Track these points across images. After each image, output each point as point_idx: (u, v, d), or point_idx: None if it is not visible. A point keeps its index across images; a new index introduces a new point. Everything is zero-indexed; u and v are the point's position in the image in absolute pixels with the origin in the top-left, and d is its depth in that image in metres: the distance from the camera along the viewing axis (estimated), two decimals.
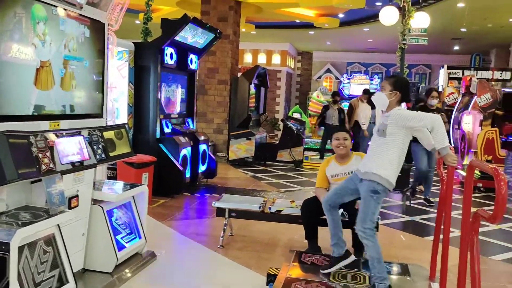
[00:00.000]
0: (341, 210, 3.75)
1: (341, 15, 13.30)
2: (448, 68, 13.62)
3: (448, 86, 13.11)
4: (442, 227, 3.38)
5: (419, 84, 16.94)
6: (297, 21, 14.22)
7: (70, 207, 3.01)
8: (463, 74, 13.10)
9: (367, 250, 3.22)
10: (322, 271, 3.45)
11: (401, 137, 3.19)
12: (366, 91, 10.48)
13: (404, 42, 7.68)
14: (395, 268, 3.66)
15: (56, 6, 3.13)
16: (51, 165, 2.73)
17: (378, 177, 3.18)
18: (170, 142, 6.70)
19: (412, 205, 6.87)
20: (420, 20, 8.14)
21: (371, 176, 3.20)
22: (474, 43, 15.79)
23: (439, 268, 3.31)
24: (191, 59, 7.46)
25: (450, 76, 13.48)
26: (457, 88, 12.48)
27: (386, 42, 15.57)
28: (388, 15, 8.42)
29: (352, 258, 3.50)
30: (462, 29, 13.64)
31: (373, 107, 9.34)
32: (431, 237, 4.45)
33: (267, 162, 10.47)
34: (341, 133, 4.12)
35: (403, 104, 3.75)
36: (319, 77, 20.46)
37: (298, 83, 21.68)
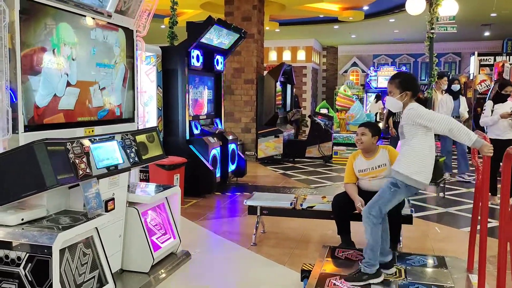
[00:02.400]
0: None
1: (365, 7, 13.15)
2: (479, 55, 13.26)
3: (479, 73, 12.77)
4: (479, 217, 3.31)
5: (449, 73, 16.54)
6: (321, 16, 14.14)
7: (107, 210, 3.10)
8: (494, 60, 12.74)
9: (366, 233, 3.24)
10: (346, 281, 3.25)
11: (420, 134, 3.13)
12: (442, 75, 8.73)
13: (433, 31, 7.54)
14: (431, 261, 3.60)
15: (85, 16, 3.23)
16: (88, 170, 2.82)
17: (397, 173, 3.19)
18: (199, 143, 6.79)
19: (446, 196, 6.75)
20: (448, 7, 7.97)
21: (393, 173, 3.25)
22: (505, 27, 15.30)
23: (477, 260, 3.25)
24: (217, 60, 7.53)
25: (481, 63, 13.12)
26: (489, 75, 12.15)
27: (413, 32, 15.30)
28: (415, 5, 8.28)
29: (393, 270, 3.36)
30: (492, 14, 13.26)
31: (454, 97, 7.84)
32: (467, 228, 4.36)
33: (296, 159, 10.46)
34: (360, 128, 4.08)
35: None
36: (345, 71, 20.27)
37: (324, 78, 21.54)
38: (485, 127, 6.73)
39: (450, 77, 8.99)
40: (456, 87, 7.84)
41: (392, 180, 3.23)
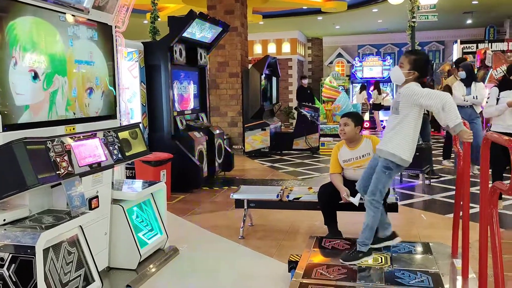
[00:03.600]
0: (358, 195, 3.75)
1: None
2: (462, 42, 13.40)
3: None
4: (461, 203, 3.35)
5: (433, 62, 16.67)
6: (305, 7, 14.12)
7: (91, 208, 3.08)
8: (477, 47, 12.88)
9: (366, 217, 3.37)
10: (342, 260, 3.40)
11: (413, 114, 3.20)
12: (459, 61, 8.07)
13: (414, 20, 7.59)
14: (417, 248, 3.64)
15: (64, 13, 3.18)
16: (70, 168, 2.80)
17: (391, 155, 3.25)
18: (185, 138, 6.76)
19: (432, 183, 6.82)
20: None
21: (385, 154, 3.29)
22: (487, 15, 15.44)
23: (460, 245, 3.29)
24: (201, 54, 7.49)
25: (464, 50, 13.26)
26: (472, 62, 12.27)
27: (397, 21, 15.36)
28: None
29: (399, 239, 3.53)
30: (473, 2, 13.36)
31: (466, 84, 7.24)
32: (451, 215, 4.42)
33: (283, 152, 10.48)
34: (343, 118, 4.10)
35: None
36: (331, 62, 20.31)
37: (310, 70, 21.56)
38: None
39: (453, 65, 8.73)
40: (462, 74, 7.26)
41: (384, 163, 3.29)
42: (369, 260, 3.33)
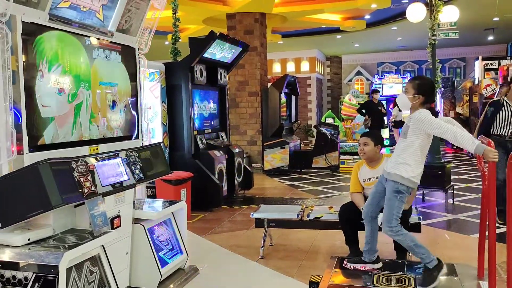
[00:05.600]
0: (379, 218, 3.71)
1: (367, 17, 13.19)
2: (483, 59, 13.24)
3: (484, 77, 12.73)
4: (487, 223, 3.28)
5: (453, 79, 16.51)
6: (323, 26, 14.20)
7: (113, 228, 3.11)
8: (499, 64, 12.70)
9: (402, 244, 3.36)
10: (348, 262, 3.62)
11: (420, 140, 3.27)
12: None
13: (434, 37, 7.52)
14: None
15: (89, 37, 3.28)
16: (93, 188, 2.84)
17: (400, 178, 3.29)
18: (205, 157, 6.80)
19: (455, 202, 6.69)
20: (449, 13, 7.95)
21: (394, 176, 3.31)
22: (508, 31, 15.28)
23: (487, 266, 3.21)
24: (221, 74, 7.58)
25: (486, 67, 13.09)
26: (494, 79, 12.10)
27: (416, 38, 15.32)
28: (416, 12, 8.30)
29: (380, 265, 3.58)
30: (494, 19, 13.25)
31: None
32: (477, 235, 4.31)
33: (302, 170, 10.44)
34: (362, 138, 4.09)
35: None
36: (350, 80, 20.29)
37: (329, 88, 21.57)
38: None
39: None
40: None
41: (393, 187, 3.31)
42: (391, 282, 3.25)
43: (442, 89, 15.20)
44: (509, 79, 9.16)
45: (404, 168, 3.27)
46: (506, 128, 5.35)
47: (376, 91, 12.62)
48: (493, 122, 5.43)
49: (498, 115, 5.39)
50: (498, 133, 5.40)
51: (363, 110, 11.98)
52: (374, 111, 11.68)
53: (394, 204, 3.31)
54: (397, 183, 3.29)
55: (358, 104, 16.03)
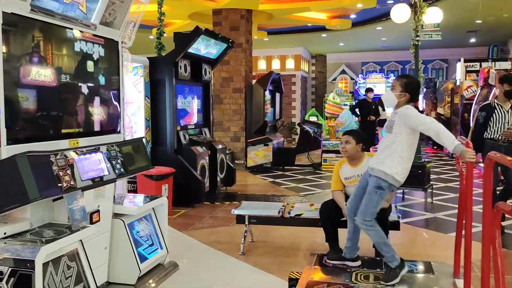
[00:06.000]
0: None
1: (353, 16, 13.28)
2: (465, 61, 13.44)
3: (466, 79, 12.93)
4: (464, 222, 3.34)
5: (436, 80, 16.73)
6: (309, 24, 14.25)
7: (91, 222, 3.08)
8: (480, 66, 12.91)
9: (372, 239, 3.41)
10: (327, 259, 3.67)
11: (406, 135, 3.28)
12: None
13: (418, 38, 7.61)
14: (419, 267, 3.62)
15: (71, 29, 3.23)
16: (72, 182, 2.80)
17: (383, 174, 3.30)
18: (188, 152, 6.77)
19: (434, 201, 6.79)
20: (433, 15, 8.05)
21: (377, 172, 3.33)
22: (490, 34, 15.54)
23: (463, 264, 3.27)
24: (205, 70, 7.55)
25: (468, 69, 13.29)
26: (475, 81, 12.31)
27: (400, 39, 15.46)
28: (400, 13, 8.37)
29: (359, 263, 3.61)
30: (477, 21, 13.46)
31: None
32: (454, 233, 4.39)
33: (285, 167, 10.47)
34: (344, 136, 4.11)
35: None
36: (334, 79, 20.41)
37: (313, 86, 21.67)
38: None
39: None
40: None
41: (376, 182, 3.33)
42: (369, 279, 3.28)
43: (425, 89, 15.40)
44: (489, 82, 9.33)
45: (388, 164, 3.28)
46: (500, 131, 5.13)
47: (370, 89, 12.61)
48: (486, 127, 5.23)
49: (491, 119, 5.18)
50: (491, 137, 5.19)
51: (357, 110, 12.08)
52: (366, 111, 11.80)
53: (373, 199, 3.33)
54: (380, 178, 3.30)
55: (342, 102, 16.13)
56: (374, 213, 3.35)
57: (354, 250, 3.62)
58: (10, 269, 2.40)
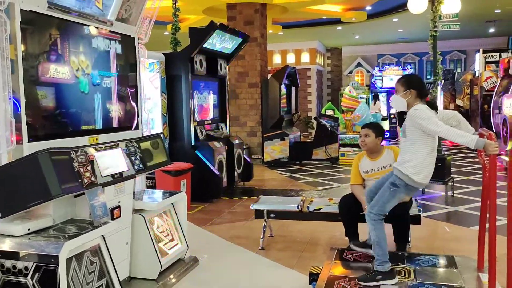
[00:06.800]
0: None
1: (368, 8, 13.11)
2: (484, 52, 13.21)
3: (485, 70, 12.70)
4: (487, 215, 3.27)
5: (454, 71, 16.46)
6: (324, 17, 14.12)
7: (113, 218, 3.10)
8: (500, 56, 12.67)
9: (371, 233, 3.37)
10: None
11: (420, 136, 3.17)
12: None
13: (436, 29, 7.48)
14: (441, 261, 3.56)
15: (88, 26, 3.25)
16: (92, 178, 2.83)
17: (400, 173, 3.25)
18: (205, 148, 6.79)
19: (455, 195, 6.69)
20: (451, 5, 7.92)
21: (396, 170, 3.30)
22: (510, 23, 15.18)
23: (487, 258, 3.21)
24: (221, 65, 7.54)
25: (487, 60, 13.06)
26: (495, 71, 12.08)
27: (417, 30, 15.23)
28: (417, 3, 8.25)
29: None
30: (496, 11, 13.16)
31: None
32: (477, 227, 4.32)
33: (302, 161, 10.43)
34: (363, 129, 4.06)
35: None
36: (350, 72, 20.22)
37: (329, 79, 21.50)
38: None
39: None
40: None
41: (392, 179, 3.30)
42: (389, 284, 3.15)
43: (443, 81, 15.16)
44: (510, 72, 9.14)
45: (405, 165, 3.22)
46: None
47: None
48: None
49: None
50: None
51: None
52: None
53: (384, 194, 3.30)
54: (396, 176, 3.27)
55: (358, 96, 15.96)
56: (382, 210, 3.28)
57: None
58: (34, 264, 2.44)
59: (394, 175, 3.31)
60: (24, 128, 2.70)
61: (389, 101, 15.42)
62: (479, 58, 13.55)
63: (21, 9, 2.65)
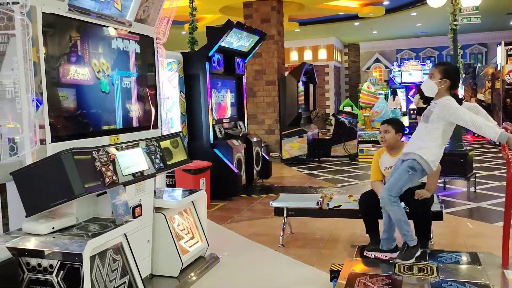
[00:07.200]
0: (402, 204, 3.68)
1: (386, 2, 12.96)
2: (506, 44, 12.91)
3: (507, 63, 12.43)
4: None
5: (475, 65, 16.16)
6: (341, 13, 14.01)
7: (134, 216, 3.14)
8: None
9: (392, 215, 3.47)
10: (366, 250, 3.63)
11: (442, 126, 3.32)
12: None
13: (456, 22, 7.35)
14: (464, 258, 3.51)
15: (107, 27, 3.29)
16: (114, 177, 2.87)
17: (419, 157, 3.37)
18: (224, 146, 6.81)
19: (477, 191, 6.58)
20: None
21: (412, 155, 3.39)
22: None
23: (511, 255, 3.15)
24: (238, 63, 7.55)
25: (509, 53, 12.77)
26: None
27: (436, 24, 14.99)
28: None
29: (395, 255, 3.52)
30: None
31: None
32: (501, 223, 4.24)
33: (321, 159, 10.39)
34: (383, 125, 4.05)
35: None
36: (368, 68, 20.04)
37: (346, 76, 21.33)
38: None
39: None
40: None
41: (410, 163, 3.40)
42: (413, 271, 3.22)
43: (463, 75, 14.90)
44: None
45: (424, 151, 3.36)
46: None
47: None
48: None
49: None
50: None
51: None
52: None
53: (403, 177, 3.41)
54: (414, 160, 3.38)
55: (377, 91, 15.83)
56: (399, 192, 3.42)
57: (391, 241, 3.59)
58: (59, 262, 2.48)
59: (411, 159, 3.40)
60: (48, 129, 2.75)
61: (411, 95, 15.23)
62: (500, 51, 13.25)
63: (42, 12, 2.69)
